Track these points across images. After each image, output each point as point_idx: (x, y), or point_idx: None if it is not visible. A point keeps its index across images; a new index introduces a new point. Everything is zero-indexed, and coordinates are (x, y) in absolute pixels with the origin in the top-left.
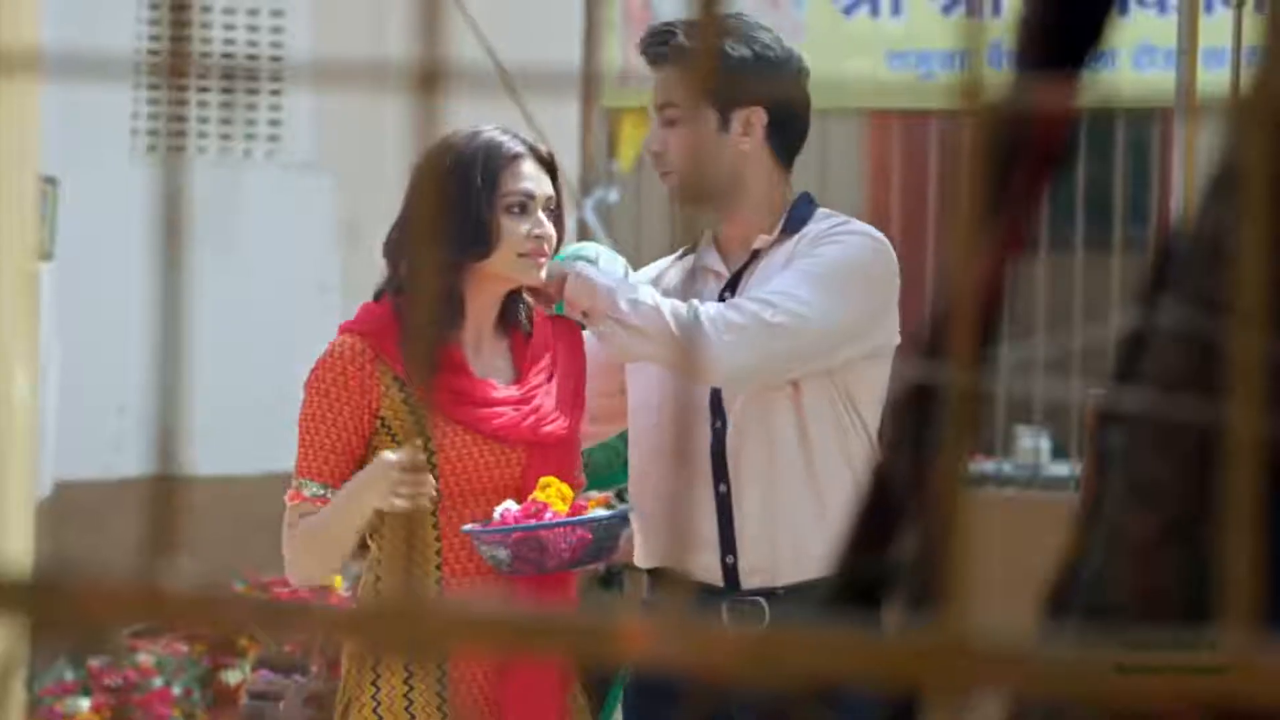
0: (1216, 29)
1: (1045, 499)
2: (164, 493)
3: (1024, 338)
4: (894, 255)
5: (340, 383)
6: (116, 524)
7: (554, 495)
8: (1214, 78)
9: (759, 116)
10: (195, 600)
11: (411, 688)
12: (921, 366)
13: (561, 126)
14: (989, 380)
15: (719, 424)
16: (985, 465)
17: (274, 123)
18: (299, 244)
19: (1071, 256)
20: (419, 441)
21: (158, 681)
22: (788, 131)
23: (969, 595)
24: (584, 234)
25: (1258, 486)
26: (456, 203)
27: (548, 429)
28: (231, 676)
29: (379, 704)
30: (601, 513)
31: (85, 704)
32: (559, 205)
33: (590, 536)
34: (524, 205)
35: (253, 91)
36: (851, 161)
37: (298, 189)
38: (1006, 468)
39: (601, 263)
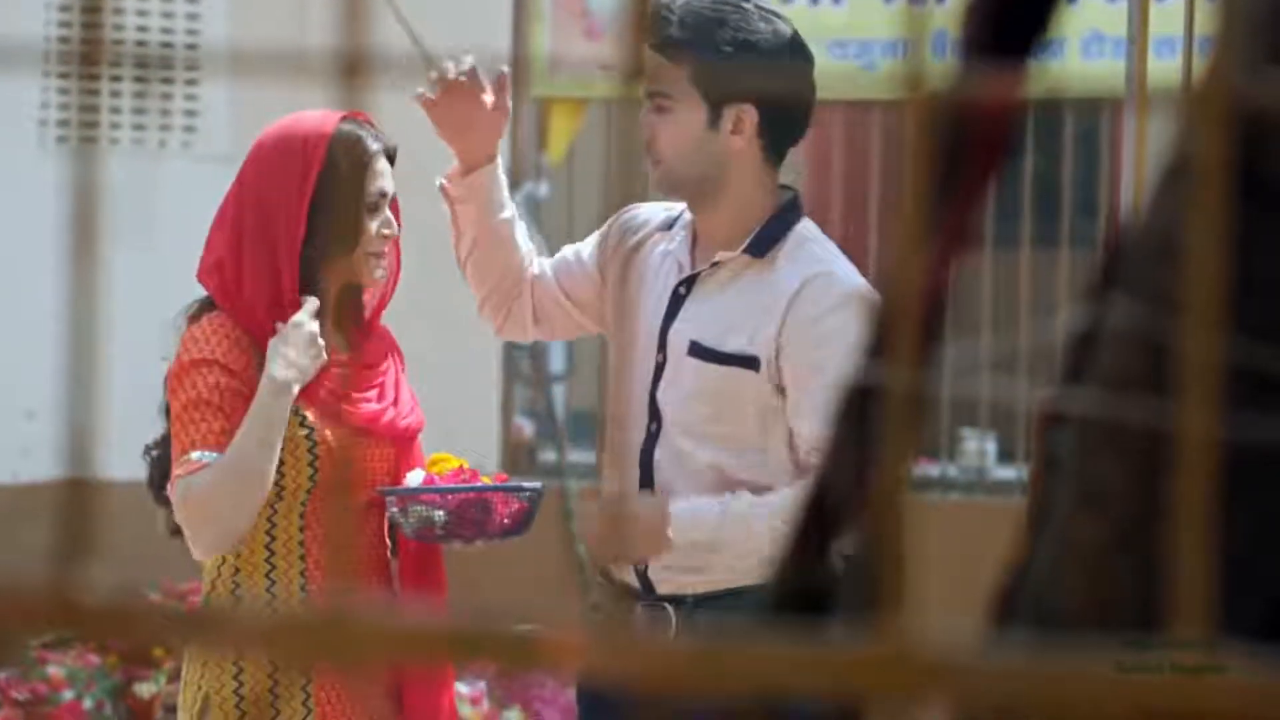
0: (1168, 17)
1: (991, 503)
2: (76, 498)
3: (969, 337)
4: None
5: (219, 355)
6: (25, 531)
7: (455, 467)
8: (1165, 67)
9: (750, 115)
10: (109, 610)
11: (276, 681)
12: (864, 367)
13: None
14: (932, 381)
15: (654, 427)
16: (929, 469)
17: (190, 113)
18: None
19: (1018, 252)
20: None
21: (68, 694)
22: (782, 130)
23: (913, 603)
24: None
25: (1209, 489)
26: (331, 199)
27: (406, 422)
28: (146, 689)
29: (241, 699)
30: (537, 484)
31: None
32: (395, 198)
33: (528, 506)
34: (377, 204)
35: (168, 81)
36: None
37: (215, 182)
38: (951, 471)
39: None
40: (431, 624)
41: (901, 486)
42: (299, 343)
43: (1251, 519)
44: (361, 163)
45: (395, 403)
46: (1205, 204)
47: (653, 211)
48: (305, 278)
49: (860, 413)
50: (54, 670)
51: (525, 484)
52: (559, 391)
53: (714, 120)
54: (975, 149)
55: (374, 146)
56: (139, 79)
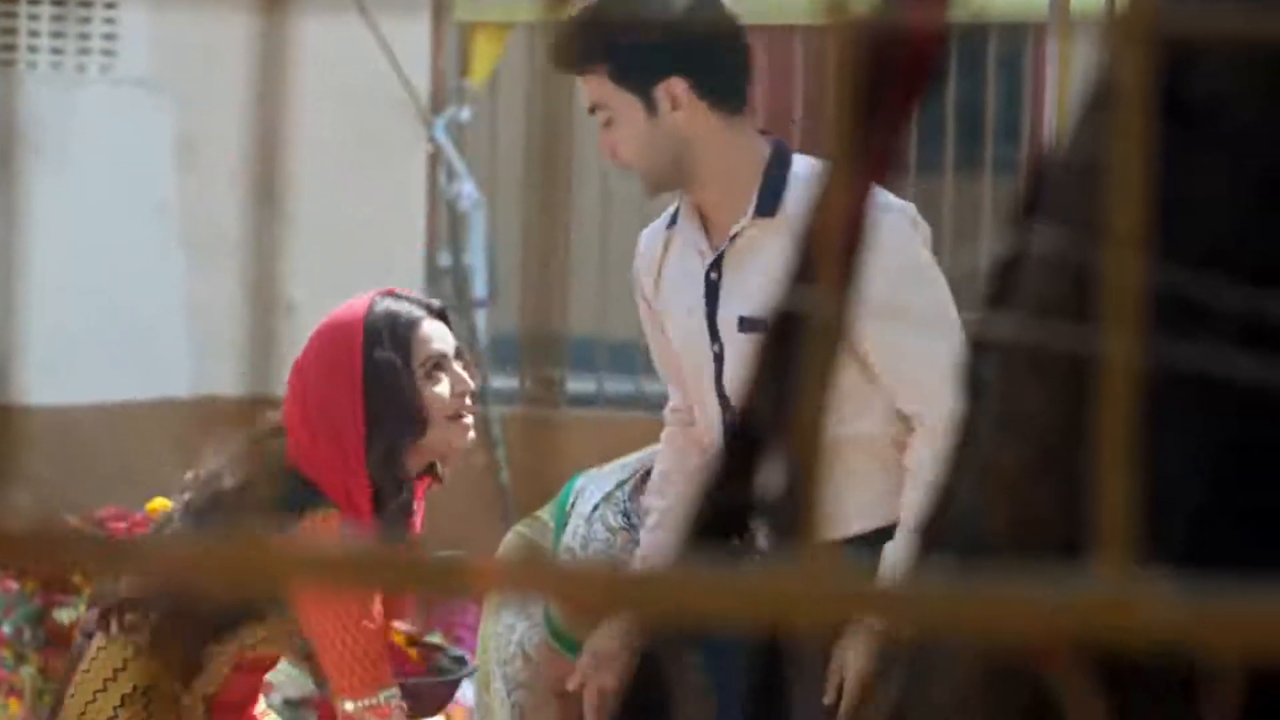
0: None
1: None
2: None
3: None
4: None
5: None
6: None
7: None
8: None
9: (678, 85)
10: (28, 536)
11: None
12: (787, 294)
13: (412, 43)
14: (856, 307)
15: (728, 417)
16: None
17: (108, 37)
18: (135, 163)
19: (941, 179)
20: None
21: None
22: (720, 81)
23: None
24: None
25: (1132, 415)
26: (379, 389)
27: None
28: (65, 615)
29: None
30: (467, 667)
31: None
32: (460, 348)
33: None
34: (435, 369)
35: (86, 5)
36: None
37: (133, 107)
38: None
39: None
40: (352, 548)
41: (823, 412)
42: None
43: (1174, 442)
44: (402, 340)
45: None
46: (1128, 129)
47: (651, 231)
48: (384, 473)
49: (785, 340)
50: None
51: (455, 670)
52: (481, 316)
53: (650, 107)
54: (898, 74)
55: (415, 313)
56: (57, 2)
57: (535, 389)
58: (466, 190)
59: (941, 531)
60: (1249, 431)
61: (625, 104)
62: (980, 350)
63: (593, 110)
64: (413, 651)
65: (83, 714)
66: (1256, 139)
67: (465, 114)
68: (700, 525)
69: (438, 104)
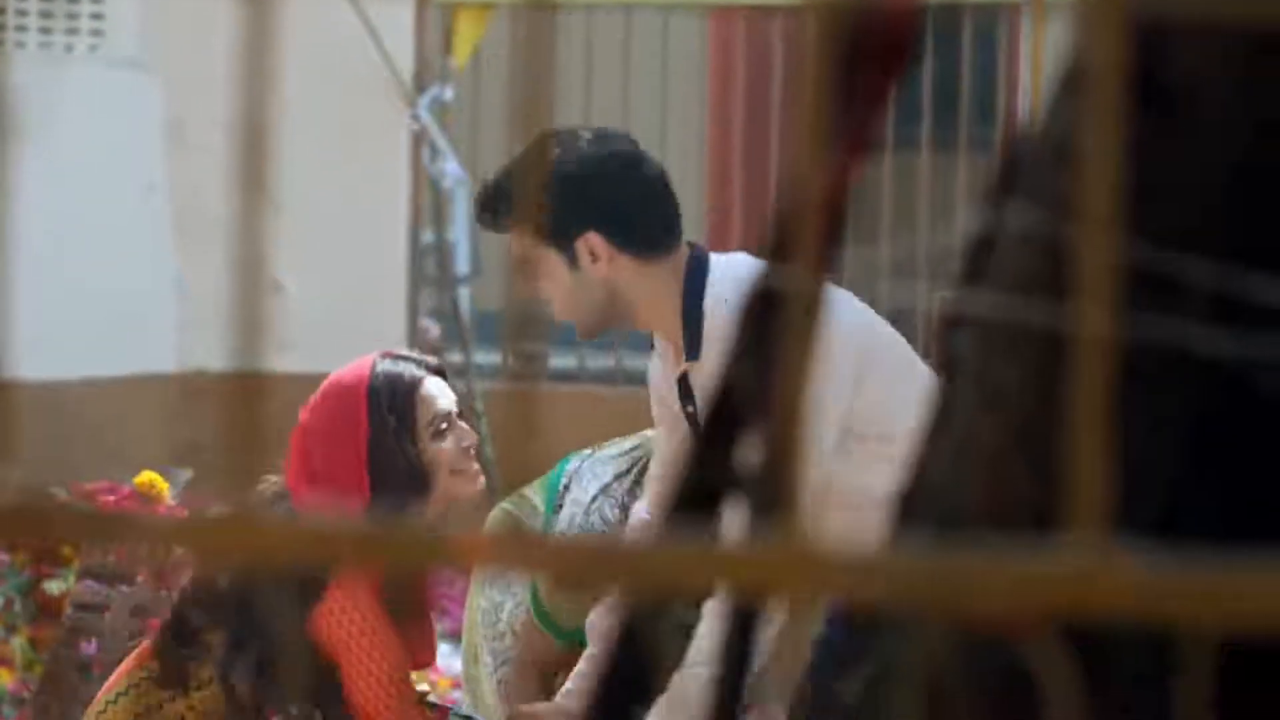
0: None
1: None
2: None
3: (869, 240)
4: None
5: (377, 636)
6: None
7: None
8: None
9: (592, 238)
10: (18, 509)
11: None
12: (766, 271)
13: (395, 23)
14: (833, 284)
15: (690, 408)
16: None
17: (96, 16)
18: (124, 144)
19: (917, 157)
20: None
21: None
22: (636, 229)
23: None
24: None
25: (1106, 390)
26: (383, 453)
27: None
28: (55, 587)
29: None
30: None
31: None
32: (461, 414)
33: None
34: (441, 429)
35: None
36: (694, 59)
37: (121, 86)
38: None
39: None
40: (339, 522)
41: (802, 388)
42: None
43: (1148, 419)
44: (405, 402)
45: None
46: (1101, 109)
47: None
48: None
49: (764, 316)
50: None
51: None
52: (465, 293)
53: (572, 261)
54: (875, 54)
55: (415, 374)
56: None
57: (517, 364)
58: (450, 168)
59: (917, 505)
60: (1220, 406)
61: (549, 261)
62: (956, 326)
63: (522, 265)
64: (428, 711)
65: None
66: (1228, 121)
67: (448, 93)
68: (682, 500)
69: (421, 83)
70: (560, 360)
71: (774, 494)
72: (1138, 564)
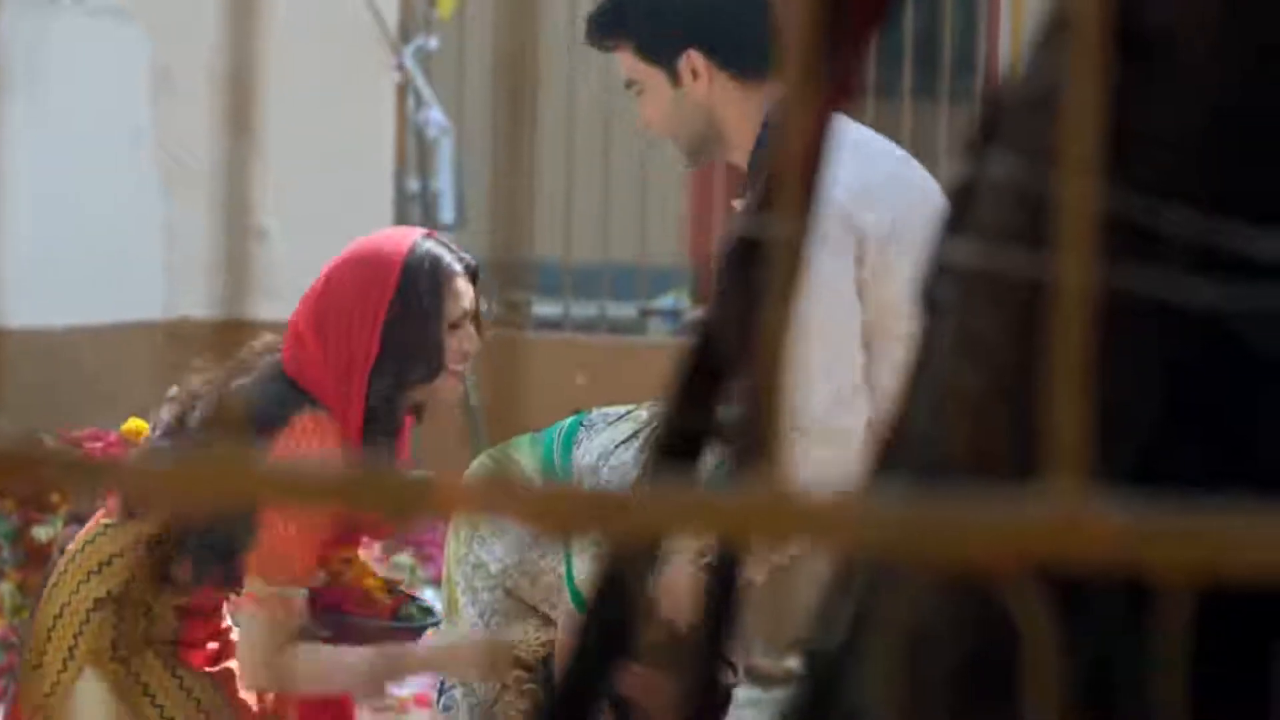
0: None
1: None
2: None
3: None
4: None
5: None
6: None
7: (365, 576)
8: None
9: (695, 57)
10: (6, 454)
11: (181, 678)
12: (748, 218)
13: None
14: (815, 231)
15: None
16: None
17: None
18: (110, 92)
19: (899, 105)
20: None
21: None
22: (738, 51)
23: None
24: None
25: (1085, 338)
26: (406, 331)
27: None
28: (43, 533)
29: (161, 706)
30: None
31: None
32: (478, 308)
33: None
34: (458, 323)
35: None
36: None
37: (107, 35)
38: None
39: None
40: (322, 469)
41: (784, 334)
42: (483, 663)
43: (1126, 368)
44: (440, 289)
45: None
46: (1083, 58)
47: None
48: (384, 401)
49: (746, 263)
50: None
51: (420, 619)
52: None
53: (674, 79)
54: (858, 3)
55: (453, 268)
56: None
57: (503, 312)
58: (434, 117)
59: (897, 452)
60: (1198, 354)
61: (652, 77)
62: (939, 273)
63: (629, 84)
64: (384, 596)
65: (59, 616)
66: (1207, 72)
67: (433, 43)
68: (664, 447)
69: (406, 33)
70: (544, 308)
71: (754, 441)
72: (1115, 511)
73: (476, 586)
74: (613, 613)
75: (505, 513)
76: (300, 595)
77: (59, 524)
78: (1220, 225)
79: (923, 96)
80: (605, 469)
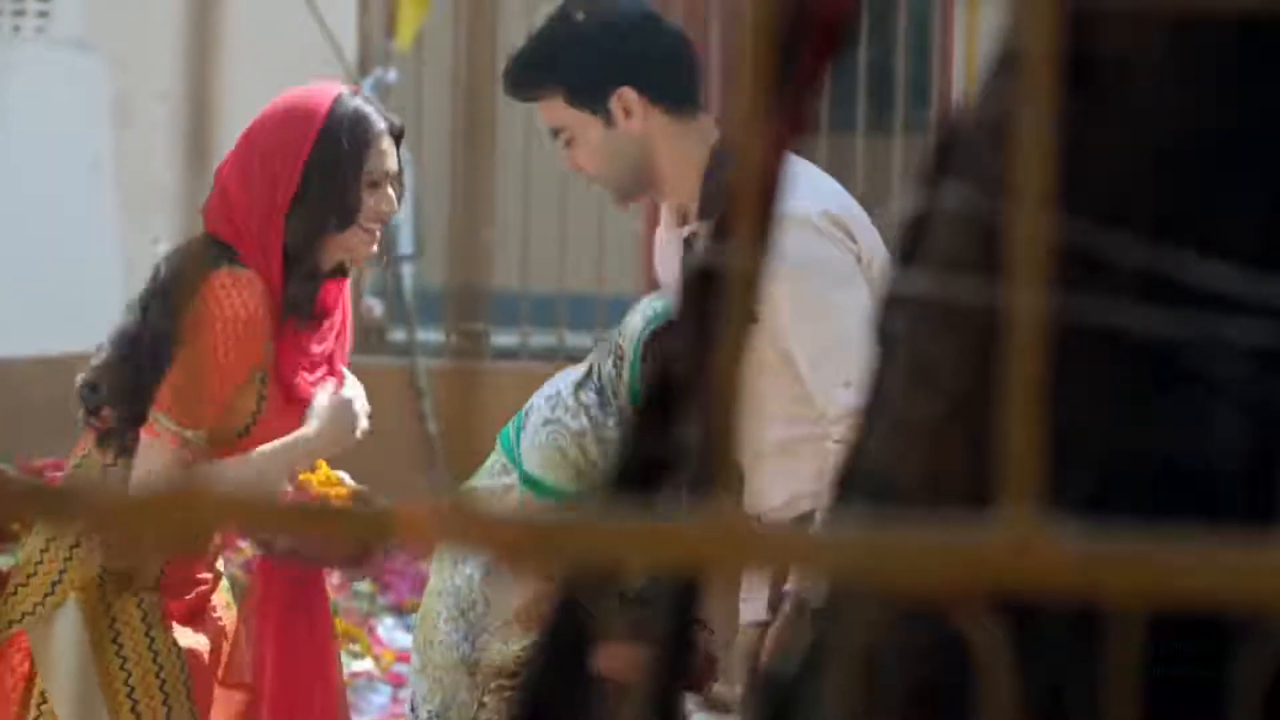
0: None
1: None
2: None
3: None
4: (839, 227)
5: (249, 328)
6: None
7: (326, 481)
8: None
9: (626, 94)
10: None
11: (153, 640)
12: (705, 250)
13: (338, 3)
14: (769, 262)
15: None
16: None
17: None
18: (69, 122)
19: (853, 138)
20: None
21: None
22: (668, 83)
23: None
24: None
25: (1038, 366)
26: (325, 173)
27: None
28: (4, 562)
29: (125, 659)
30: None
31: None
32: (400, 173)
33: None
34: (378, 182)
35: None
36: None
37: (67, 66)
38: None
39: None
40: (284, 500)
41: (739, 364)
42: (344, 423)
43: (1079, 392)
44: (363, 138)
45: (331, 368)
46: (1034, 90)
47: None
48: (300, 245)
49: (703, 292)
50: None
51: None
52: (407, 271)
53: (607, 119)
54: (811, 34)
55: (379, 124)
56: None
57: (460, 342)
58: None
59: (852, 483)
60: (1149, 381)
61: (582, 122)
62: (891, 306)
63: (555, 134)
64: (336, 494)
65: (52, 540)
66: (1156, 101)
67: (391, 75)
68: (622, 475)
69: (364, 65)
70: (502, 338)
71: (711, 469)
72: (1069, 538)
73: (459, 610)
74: (568, 639)
75: (463, 541)
76: (200, 441)
77: (20, 553)
78: (1167, 254)
79: (877, 130)
80: (557, 409)
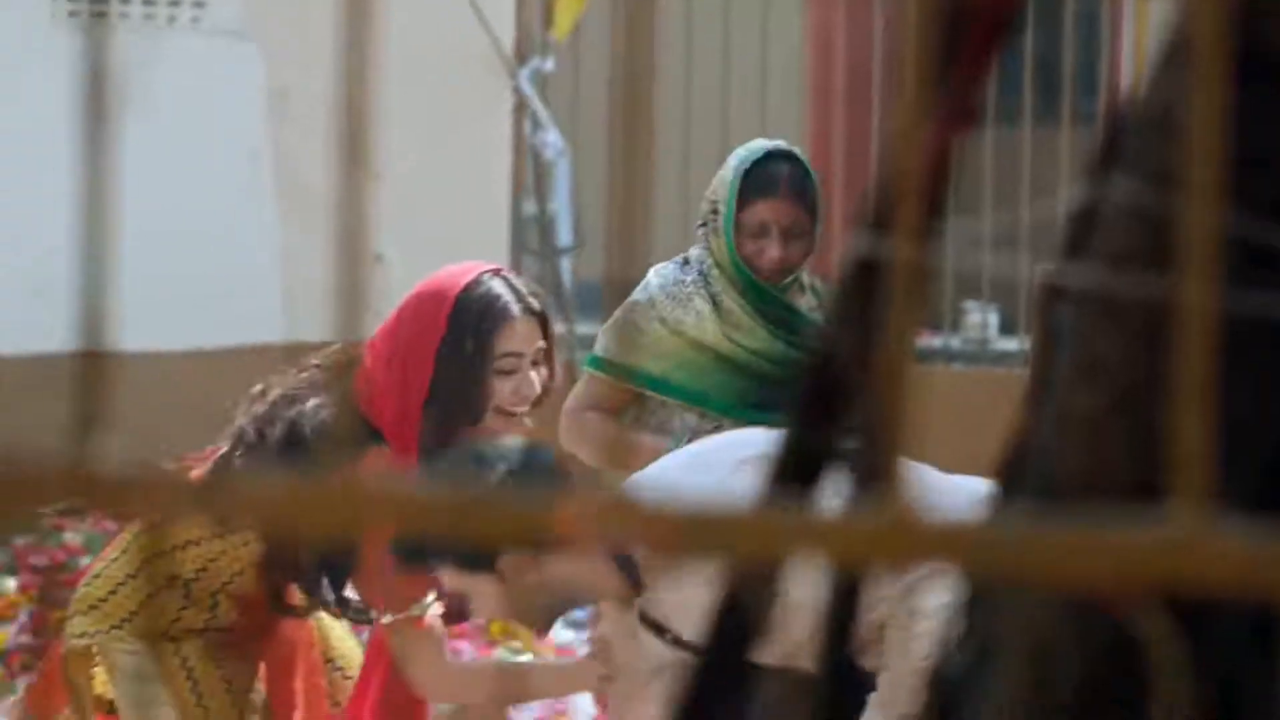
0: None
1: (993, 374)
2: (91, 370)
3: (971, 212)
4: None
5: None
6: (34, 404)
7: None
8: None
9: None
10: (123, 481)
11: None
12: (867, 241)
13: None
14: (935, 255)
15: None
16: (933, 340)
17: None
18: (227, 113)
19: (1020, 129)
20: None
21: (85, 560)
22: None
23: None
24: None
25: (1207, 360)
26: (452, 370)
27: None
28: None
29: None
30: None
31: (12, 584)
32: (550, 349)
33: None
34: (513, 367)
35: None
36: (792, 32)
37: (224, 57)
38: (954, 343)
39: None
40: (438, 493)
41: (905, 357)
42: (584, 685)
43: (1248, 387)
44: (491, 327)
45: None
46: (1204, 81)
47: None
48: (435, 439)
49: (866, 286)
50: (70, 537)
51: None
52: (566, 264)
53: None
54: (976, 24)
55: (511, 309)
56: None
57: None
58: (551, 139)
59: (1018, 476)
60: None
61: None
62: (1058, 298)
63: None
64: None
65: (122, 584)
66: None
67: (549, 65)
68: (782, 469)
69: (522, 56)
70: None
71: (874, 464)
72: (1238, 535)
73: None
74: (733, 633)
75: (620, 536)
76: (426, 611)
77: (85, 538)
78: None
79: (1043, 121)
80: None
